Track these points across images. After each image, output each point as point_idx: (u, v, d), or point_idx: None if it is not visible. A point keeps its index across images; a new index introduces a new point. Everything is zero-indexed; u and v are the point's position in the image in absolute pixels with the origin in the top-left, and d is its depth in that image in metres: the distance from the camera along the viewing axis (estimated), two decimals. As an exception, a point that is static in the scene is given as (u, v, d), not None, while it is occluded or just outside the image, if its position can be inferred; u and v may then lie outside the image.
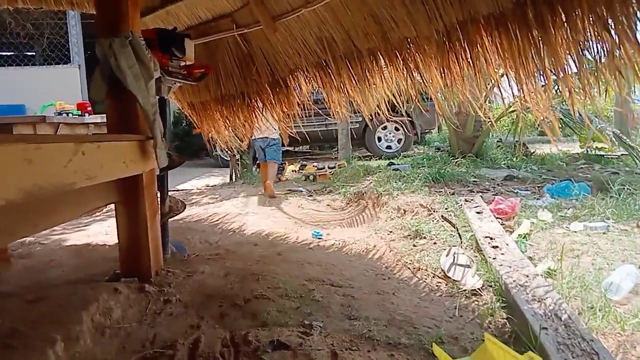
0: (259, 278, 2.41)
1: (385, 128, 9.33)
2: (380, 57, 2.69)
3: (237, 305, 2.05)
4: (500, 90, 2.38)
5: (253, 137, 5.66)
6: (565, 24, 1.70)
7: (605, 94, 2.15)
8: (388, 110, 3.02)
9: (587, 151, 7.00)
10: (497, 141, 8.38)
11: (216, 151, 8.98)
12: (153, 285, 2.17)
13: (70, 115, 5.36)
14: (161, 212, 2.59)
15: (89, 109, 5.64)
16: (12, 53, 8.68)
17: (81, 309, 1.81)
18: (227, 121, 3.80)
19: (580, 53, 1.76)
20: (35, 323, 1.71)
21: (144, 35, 2.32)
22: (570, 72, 1.86)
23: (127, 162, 2.02)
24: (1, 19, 8.02)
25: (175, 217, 2.95)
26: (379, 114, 3.07)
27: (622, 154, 6.41)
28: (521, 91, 2.07)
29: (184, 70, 2.80)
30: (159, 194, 2.57)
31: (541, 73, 1.97)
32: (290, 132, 3.76)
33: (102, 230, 3.70)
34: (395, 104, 2.91)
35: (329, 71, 3.03)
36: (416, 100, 2.75)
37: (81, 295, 1.96)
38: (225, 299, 2.12)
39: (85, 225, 4.03)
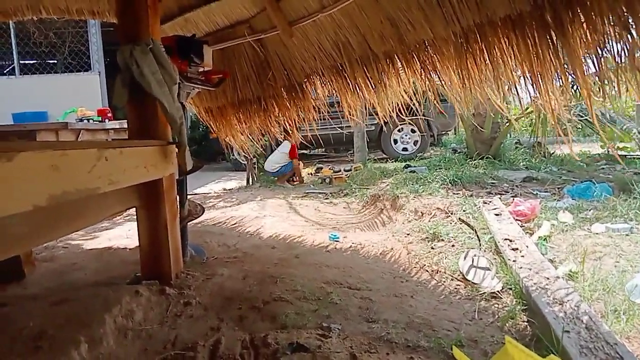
0: (277, 281, 2.42)
1: (401, 130, 9.28)
2: (397, 59, 2.69)
3: (256, 308, 2.07)
4: (517, 92, 2.35)
5: None
6: (584, 24, 1.68)
7: (627, 94, 2.12)
8: (404, 113, 3.02)
9: (608, 151, 6.86)
10: (515, 142, 8.27)
11: (233, 155, 9.08)
12: (173, 288, 2.21)
13: (91, 121, 5.47)
14: (180, 215, 2.63)
15: (109, 115, 5.75)
16: (35, 61, 8.90)
17: (104, 311, 1.85)
18: (244, 126, 3.84)
19: (600, 54, 1.74)
20: (61, 325, 1.75)
21: (164, 43, 2.36)
22: (588, 73, 1.84)
23: (148, 167, 2.05)
24: (25, 29, 8.24)
25: (194, 221, 3.00)
26: (394, 116, 3.06)
27: (644, 154, 6.28)
28: (538, 93, 2.05)
29: (202, 76, 2.84)
30: (178, 198, 2.61)
31: (558, 74, 1.95)
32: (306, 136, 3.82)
33: (122, 234, 3.76)
34: (412, 106, 2.91)
35: (345, 75, 3.05)
36: (433, 102, 2.74)
37: (104, 297, 2.00)
38: (244, 301, 2.14)
39: (106, 229, 4.10)
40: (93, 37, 8.26)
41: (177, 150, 2.34)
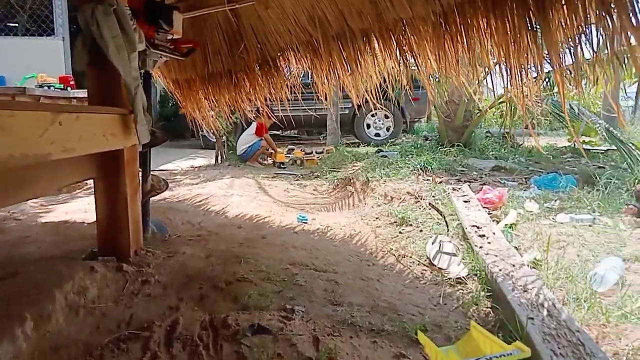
0: (242, 261, 2.35)
1: (374, 115, 9.28)
2: (374, 38, 2.62)
3: (218, 288, 2.00)
4: (492, 80, 2.33)
5: None
6: (565, 7, 1.65)
7: (596, 85, 2.12)
8: (378, 98, 2.97)
9: (574, 145, 7.04)
10: (486, 132, 8.40)
11: (202, 132, 8.86)
12: (131, 265, 2.11)
13: (52, 88, 5.21)
14: (143, 190, 2.52)
15: (72, 82, 5.50)
16: (-7, 23, 8.38)
17: (55, 287, 1.74)
18: (213, 100, 3.71)
19: (578, 40, 1.71)
20: (6, 300, 1.64)
21: (130, 5, 2.21)
22: (565, 62, 1.82)
23: (108, 135, 1.93)
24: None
25: (158, 197, 2.89)
26: (368, 101, 3.02)
27: (608, 149, 6.46)
28: (512, 80, 2.02)
29: (170, 44, 2.69)
30: (141, 172, 2.49)
31: (534, 59, 1.92)
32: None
33: (81, 208, 3.59)
34: (386, 90, 2.86)
35: (320, 52, 2.95)
36: (407, 88, 2.70)
37: (56, 272, 1.89)
38: (206, 281, 2.07)
39: (64, 202, 3.92)
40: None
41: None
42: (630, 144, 4.84)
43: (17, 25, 8.86)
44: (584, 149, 6.66)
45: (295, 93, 3.44)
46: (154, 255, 2.29)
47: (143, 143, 2.25)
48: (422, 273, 2.53)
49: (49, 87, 5.18)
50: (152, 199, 2.73)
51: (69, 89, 5.27)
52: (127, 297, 1.88)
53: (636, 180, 3.93)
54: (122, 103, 2.15)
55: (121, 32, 2.02)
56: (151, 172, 2.68)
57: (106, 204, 2.21)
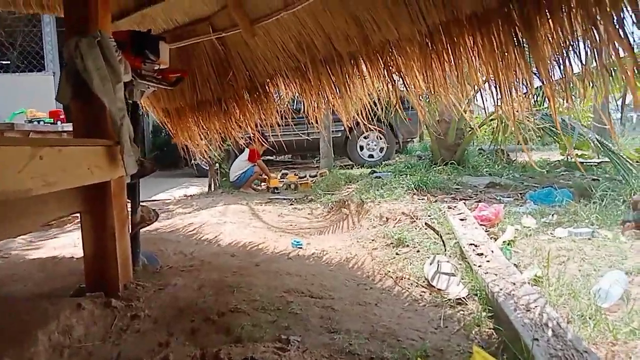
0: (235, 290, 2.28)
1: (367, 137, 9.31)
2: (362, 61, 2.62)
3: (211, 320, 1.92)
4: (482, 97, 2.32)
5: None
6: (551, 21, 1.64)
7: (585, 99, 2.11)
8: (370, 119, 2.96)
9: (567, 158, 7.06)
10: (479, 149, 8.41)
11: (195, 160, 8.83)
12: (120, 300, 2.03)
13: (42, 123, 5.19)
14: (132, 221, 2.46)
15: (62, 117, 5.47)
16: (-16, 60, 8.43)
17: (39, 327, 1.67)
18: (203, 128, 3.69)
19: (566, 53, 1.71)
20: (-13, 343, 1.57)
21: (116, 37, 2.21)
22: (553, 76, 1.81)
23: (93, 168, 1.89)
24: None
25: (149, 228, 2.82)
26: (359, 123, 3.01)
27: (601, 161, 6.46)
28: (501, 97, 2.01)
29: (158, 74, 2.68)
30: (130, 203, 2.43)
31: (523, 74, 1.91)
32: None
33: (70, 242, 3.51)
34: (377, 112, 2.86)
35: (309, 77, 2.95)
36: (397, 108, 2.70)
37: (41, 311, 1.81)
38: (198, 313, 1.99)
39: (54, 237, 3.84)
40: (47, 36, 7.88)
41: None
42: (622, 156, 4.84)
43: (9, 62, 8.91)
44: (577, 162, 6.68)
45: (286, 118, 3.43)
46: (144, 289, 2.22)
47: (131, 174, 2.21)
48: (421, 295, 2.46)
49: (38, 121, 5.16)
50: (143, 230, 2.66)
51: (59, 123, 5.25)
52: (115, 334, 1.80)
53: (632, 192, 3.91)
54: (107, 134, 2.11)
55: (105, 63, 2.00)
56: (142, 203, 2.63)
57: (93, 238, 2.15)
